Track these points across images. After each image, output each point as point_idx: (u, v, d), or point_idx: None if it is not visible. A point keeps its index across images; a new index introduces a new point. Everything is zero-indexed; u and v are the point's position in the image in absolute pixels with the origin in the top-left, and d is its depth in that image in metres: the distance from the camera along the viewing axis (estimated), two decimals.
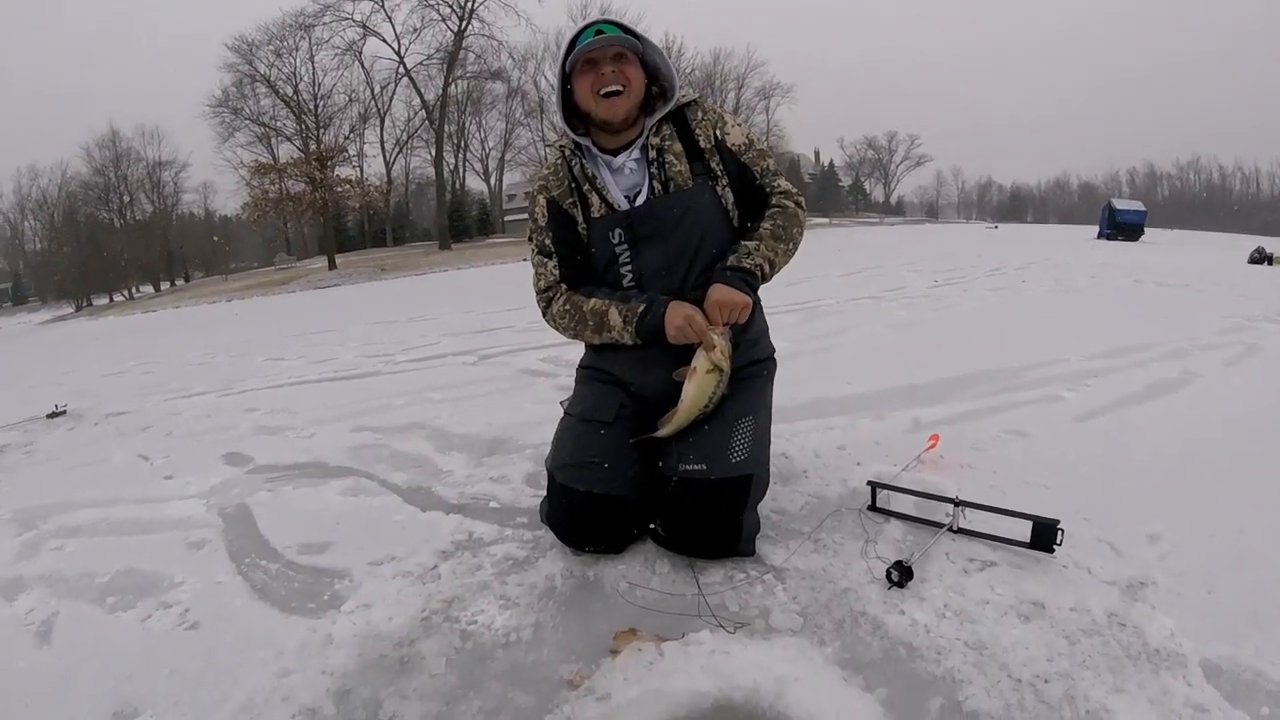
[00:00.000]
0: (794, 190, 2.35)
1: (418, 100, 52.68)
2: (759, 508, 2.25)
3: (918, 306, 7.24)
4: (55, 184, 63.06)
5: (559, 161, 2.34)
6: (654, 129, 2.28)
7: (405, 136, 59.00)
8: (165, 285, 59.80)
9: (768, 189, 2.32)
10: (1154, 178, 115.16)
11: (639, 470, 2.20)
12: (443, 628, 1.94)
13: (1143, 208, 28.86)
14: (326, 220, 44.52)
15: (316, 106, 47.20)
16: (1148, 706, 1.54)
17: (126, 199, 61.72)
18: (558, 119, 2.34)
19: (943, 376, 4.04)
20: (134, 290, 57.63)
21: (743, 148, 2.31)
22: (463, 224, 60.23)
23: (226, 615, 2.13)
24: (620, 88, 2.18)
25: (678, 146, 2.27)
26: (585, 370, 2.48)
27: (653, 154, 2.26)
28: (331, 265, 39.22)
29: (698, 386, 2.11)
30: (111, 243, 57.06)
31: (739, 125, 2.35)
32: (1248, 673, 1.63)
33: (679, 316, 2.10)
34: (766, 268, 2.20)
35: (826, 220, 65.92)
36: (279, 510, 2.87)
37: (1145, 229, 27.72)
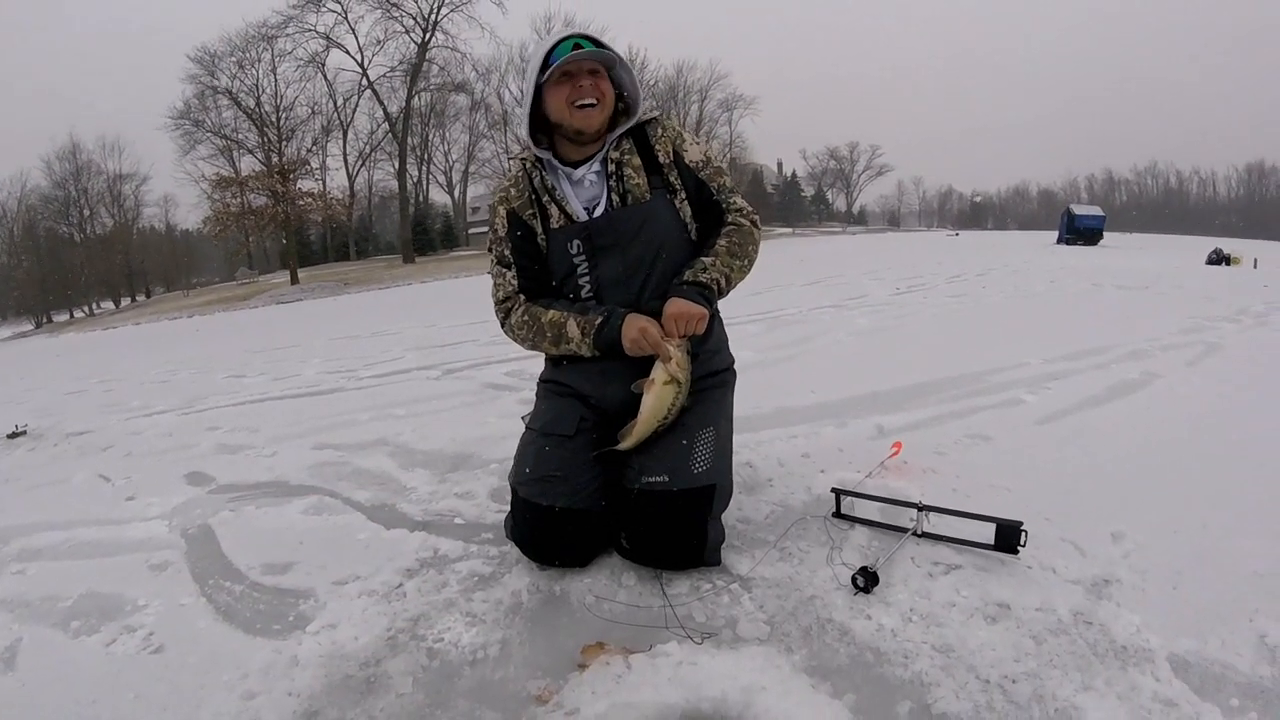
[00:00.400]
0: (749, 208, 2.40)
1: (381, 112, 52.33)
2: (723, 517, 2.25)
3: (880, 314, 7.33)
4: (14, 197, 62.07)
5: (520, 173, 2.36)
6: (614, 144, 2.30)
7: (368, 149, 58.83)
8: (126, 300, 58.92)
9: (724, 205, 2.37)
10: (1112, 183, 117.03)
11: (601, 483, 2.21)
12: (409, 646, 1.93)
13: (1101, 213, 29.35)
14: (289, 234, 43.98)
15: (279, 119, 46.72)
16: (1116, 702, 1.57)
17: (87, 213, 60.98)
18: (522, 131, 2.35)
19: (905, 383, 4.09)
20: (94, 306, 56.79)
21: (700, 164, 2.35)
22: (426, 237, 59.80)
23: (191, 638, 2.10)
24: (595, 100, 2.21)
25: (636, 160, 2.30)
26: (545, 384, 2.48)
27: (612, 167, 2.28)
28: (294, 279, 38.82)
29: (656, 399, 2.13)
30: (72, 257, 56.29)
31: (697, 143, 2.40)
32: (1215, 665, 1.67)
33: (634, 329, 2.12)
34: (722, 283, 2.24)
35: (789, 230, 66.49)
36: (241, 530, 2.83)
37: (1104, 233, 28.14)
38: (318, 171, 52.60)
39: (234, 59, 44.70)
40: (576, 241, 2.27)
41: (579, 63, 2.19)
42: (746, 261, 2.32)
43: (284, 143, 46.35)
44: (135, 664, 2.01)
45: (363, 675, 1.84)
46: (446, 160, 68.11)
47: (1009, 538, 2.09)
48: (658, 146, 2.32)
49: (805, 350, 5.52)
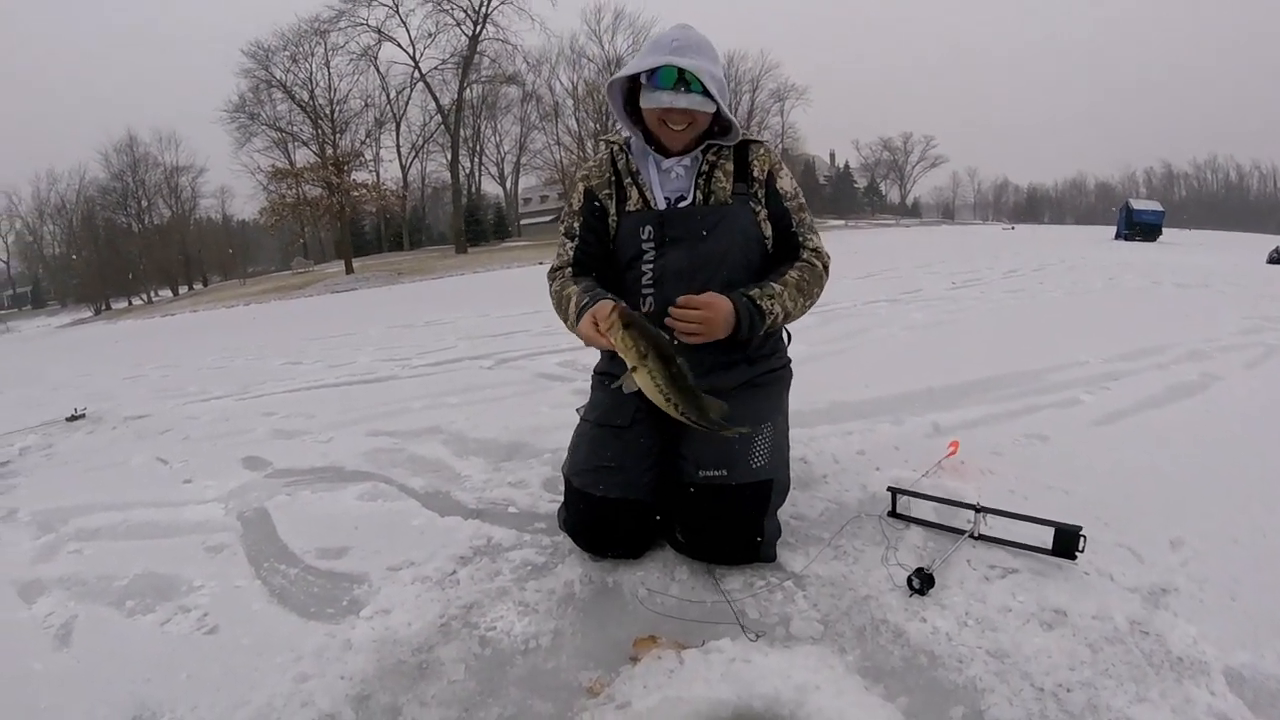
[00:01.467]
0: (824, 250, 2.34)
1: (433, 105, 52.90)
2: (778, 513, 2.22)
3: (935, 309, 7.22)
4: (73, 189, 63.64)
5: (605, 157, 2.36)
6: (713, 149, 2.28)
7: (421, 140, 59.48)
8: (183, 289, 60.08)
9: (801, 239, 2.31)
10: (1171, 177, 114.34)
11: (656, 474, 2.18)
12: (461, 634, 1.94)
13: (1160, 208, 28.64)
14: (343, 225, 44.65)
15: (332, 111, 47.40)
16: (1170, 716, 1.52)
17: (144, 203, 62.14)
18: (614, 106, 2.34)
19: (961, 380, 4.02)
20: (153, 294, 57.92)
21: (789, 194, 2.31)
22: (479, 228, 60.27)
23: (245, 619, 2.13)
24: (685, 125, 2.19)
25: (729, 167, 2.27)
26: (601, 375, 2.46)
27: (704, 167, 2.26)
28: (348, 269, 39.38)
29: (643, 383, 1.91)
30: (129, 247, 57.49)
31: (790, 176, 2.36)
32: (1271, 681, 1.62)
33: (587, 322, 1.96)
34: (781, 316, 2.17)
35: (842, 222, 65.69)
36: (297, 514, 2.86)
37: (1163, 229, 27.50)
38: (371, 163, 53.27)
39: (287, 53, 45.54)
40: (649, 227, 2.23)
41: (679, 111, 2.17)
42: (809, 301, 2.27)
43: (338, 135, 46.98)
44: (189, 644, 2.03)
45: (415, 661, 1.84)
46: (498, 151, 68.57)
47: (1067, 543, 2.04)
48: (754, 162, 2.29)
49: (859, 344, 5.46)
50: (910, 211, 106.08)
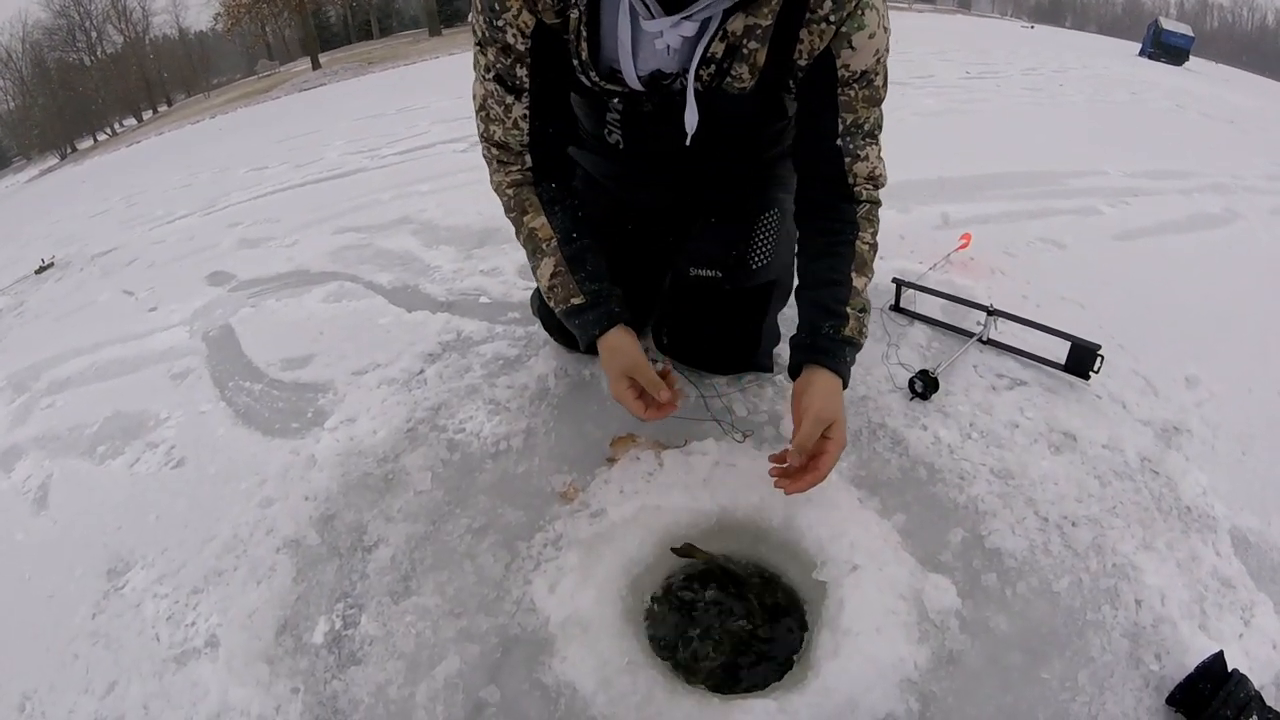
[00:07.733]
0: (882, 173, 1.52)
1: None
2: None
3: (948, 96, 6.73)
4: (17, 37, 60.13)
5: None
6: (748, 5, 1.29)
7: None
8: (148, 114, 58.03)
9: (849, 156, 1.46)
10: (1205, 5, 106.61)
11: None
12: (429, 438, 1.81)
13: (1191, 33, 26.65)
14: (305, 19, 42.40)
15: None
16: (1175, 570, 1.46)
17: (94, 35, 58.93)
18: None
19: (974, 173, 3.75)
20: (117, 125, 56.07)
21: (854, 78, 1.39)
22: (453, 6, 57.09)
23: (210, 446, 2.04)
24: None
25: (763, 54, 1.36)
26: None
27: (718, 45, 1.34)
28: (315, 65, 37.63)
29: None
30: (85, 82, 55.08)
31: (873, 41, 1.36)
32: (1275, 552, 1.56)
33: (615, 369, 1.48)
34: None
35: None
36: (261, 326, 2.71)
37: (1190, 55, 25.96)
38: None
39: None
40: (614, 102, 1.52)
41: None
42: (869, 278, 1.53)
43: None
44: (156, 482, 1.96)
45: (380, 472, 1.74)
46: None
47: (1083, 360, 1.91)
48: (808, 36, 1.34)
49: None
50: None
